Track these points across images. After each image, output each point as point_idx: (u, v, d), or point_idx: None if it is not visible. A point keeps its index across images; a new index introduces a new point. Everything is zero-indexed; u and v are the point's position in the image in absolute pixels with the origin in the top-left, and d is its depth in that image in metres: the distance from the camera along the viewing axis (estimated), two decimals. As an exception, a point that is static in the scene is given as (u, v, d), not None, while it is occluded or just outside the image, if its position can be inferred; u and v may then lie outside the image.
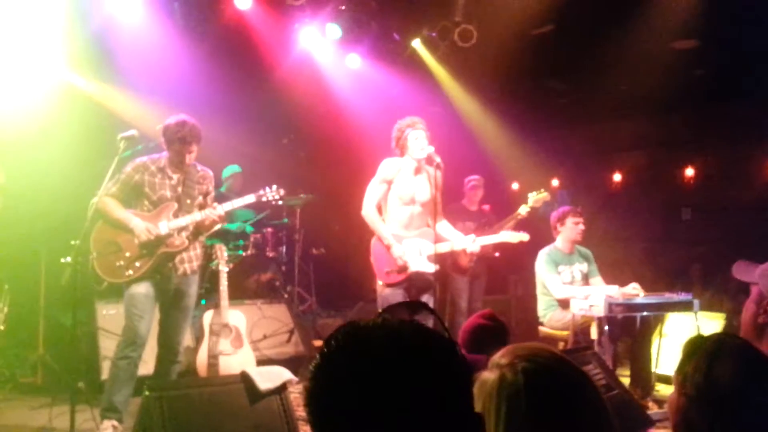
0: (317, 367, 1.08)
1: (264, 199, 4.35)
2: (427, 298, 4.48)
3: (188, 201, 4.07)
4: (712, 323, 4.84)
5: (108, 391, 3.84)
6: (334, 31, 6.81)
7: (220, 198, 4.60)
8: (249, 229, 6.81)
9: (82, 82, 6.19)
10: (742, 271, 2.14)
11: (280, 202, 4.45)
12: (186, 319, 4.17)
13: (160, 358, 4.10)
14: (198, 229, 4.12)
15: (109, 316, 4.79)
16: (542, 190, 6.01)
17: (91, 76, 6.25)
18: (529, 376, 1.34)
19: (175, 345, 4.08)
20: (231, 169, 7.01)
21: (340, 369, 1.05)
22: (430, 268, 4.45)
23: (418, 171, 4.54)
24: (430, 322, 1.39)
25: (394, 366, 1.03)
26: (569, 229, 5.23)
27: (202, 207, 4.13)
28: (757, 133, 7.40)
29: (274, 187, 4.38)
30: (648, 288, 4.90)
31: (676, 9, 6.28)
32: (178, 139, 3.95)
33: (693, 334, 1.73)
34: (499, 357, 1.39)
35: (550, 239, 5.39)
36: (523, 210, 6.00)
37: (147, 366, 4.18)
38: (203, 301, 5.86)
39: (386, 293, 4.45)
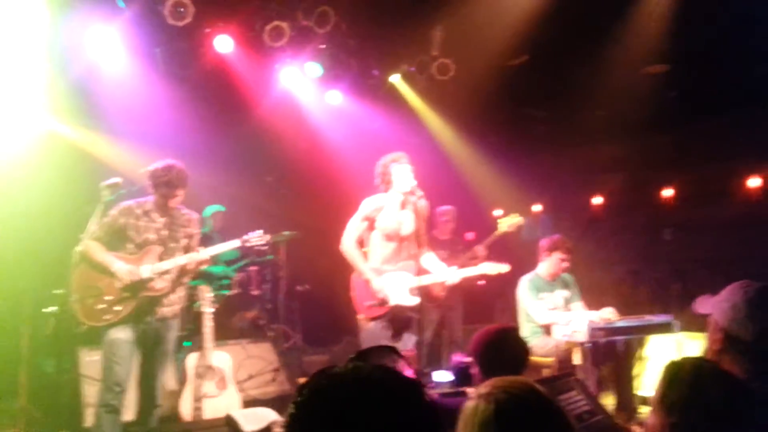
0: (291, 415, 1.14)
1: (248, 244, 4.35)
2: (409, 334, 4.51)
3: (173, 244, 4.09)
4: (693, 343, 4.88)
5: None
6: (315, 69, 6.93)
7: (204, 238, 4.64)
8: (232, 273, 6.84)
9: (65, 128, 6.27)
10: (701, 305, 2.26)
11: (265, 248, 4.49)
12: (165, 364, 4.16)
13: (141, 403, 4.08)
14: (181, 273, 4.14)
15: (92, 362, 4.75)
16: (515, 214, 6.00)
17: (73, 123, 6.33)
18: (500, 406, 1.43)
19: (154, 390, 4.06)
20: (212, 209, 7.06)
21: (313, 417, 1.11)
22: (411, 301, 4.48)
23: (403, 205, 4.60)
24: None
25: (363, 414, 1.09)
26: (554, 263, 5.27)
27: (187, 250, 4.16)
28: (732, 151, 7.54)
29: (260, 232, 4.37)
30: (631, 310, 4.95)
31: (646, 36, 6.46)
32: (164, 183, 4.01)
33: (674, 355, 1.82)
34: (482, 387, 1.49)
35: (532, 265, 5.44)
36: (469, 236, 6.18)
37: (129, 412, 4.15)
38: (187, 343, 5.85)
39: (369, 327, 4.48)
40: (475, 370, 2.94)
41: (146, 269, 3.96)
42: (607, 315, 4.75)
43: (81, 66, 5.95)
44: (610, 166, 8.56)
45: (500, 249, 6.20)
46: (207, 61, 6.49)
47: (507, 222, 5.95)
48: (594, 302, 5.32)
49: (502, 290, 6.81)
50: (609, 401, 4.83)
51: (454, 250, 6.38)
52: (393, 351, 1.46)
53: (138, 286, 3.93)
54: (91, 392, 4.54)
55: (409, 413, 1.12)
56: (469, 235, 6.69)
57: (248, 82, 6.85)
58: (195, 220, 4.30)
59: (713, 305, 2.18)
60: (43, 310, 3.71)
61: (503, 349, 2.91)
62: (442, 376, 4.82)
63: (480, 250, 6.29)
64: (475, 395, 1.50)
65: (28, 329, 4.64)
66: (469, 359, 3.03)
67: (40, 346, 4.80)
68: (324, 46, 6.89)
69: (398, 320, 4.52)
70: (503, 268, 4.82)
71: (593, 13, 6.29)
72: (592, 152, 8.38)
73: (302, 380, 4.59)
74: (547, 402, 1.50)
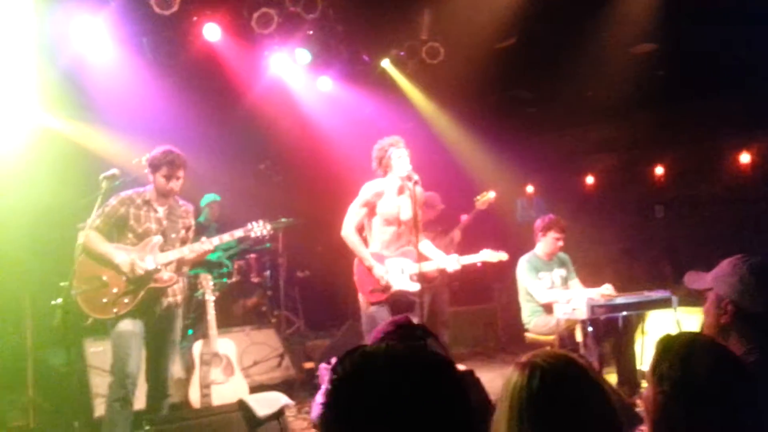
0: (329, 393, 1.18)
1: (252, 234, 4.34)
2: (412, 316, 4.52)
3: (173, 235, 4.07)
4: (691, 318, 4.96)
5: None
6: (304, 56, 6.90)
7: (200, 228, 4.63)
8: (228, 263, 6.83)
9: (57, 122, 6.20)
10: (694, 281, 2.27)
11: (267, 237, 4.51)
12: (173, 353, 4.14)
13: (151, 394, 4.06)
14: (181, 263, 4.12)
15: (98, 353, 4.76)
16: (485, 192, 6.15)
17: (64, 116, 6.26)
18: (533, 374, 1.46)
19: (164, 380, 4.05)
20: (208, 198, 7.03)
21: (351, 396, 1.15)
22: (413, 287, 4.50)
23: (401, 190, 4.60)
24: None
25: (401, 391, 1.12)
26: (549, 242, 5.34)
27: (183, 241, 4.15)
28: (721, 128, 7.63)
29: (261, 222, 4.35)
30: (627, 286, 5.01)
31: (632, 16, 6.51)
32: (167, 162, 3.98)
33: (673, 330, 1.84)
34: (524, 357, 1.52)
35: (528, 246, 5.49)
36: (463, 218, 6.29)
37: (138, 401, 4.14)
38: (190, 331, 5.87)
39: (371, 311, 4.49)
40: None
41: (150, 260, 3.91)
42: (606, 291, 4.82)
43: (69, 58, 5.88)
44: (601, 146, 8.65)
45: (496, 231, 6.26)
46: (195, 50, 6.44)
47: (481, 200, 6.13)
48: (589, 280, 5.39)
49: (500, 271, 6.86)
50: (612, 377, 4.91)
51: (436, 231, 6.33)
52: (423, 330, 1.48)
53: (144, 278, 3.88)
54: (98, 383, 4.53)
55: (441, 390, 1.16)
56: (463, 218, 6.70)
57: (238, 70, 6.81)
58: (191, 211, 4.30)
59: (714, 280, 2.18)
60: (52, 302, 3.68)
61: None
62: None
63: (456, 234, 6.34)
64: (514, 364, 1.53)
65: (30, 322, 4.62)
66: None
67: (48, 339, 4.78)
68: (312, 32, 6.85)
69: (400, 305, 4.54)
70: (502, 256, 4.87)
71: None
72: (583, 133, 8.46)
73: (308, 365, 4.61)
74: (584, 375, 1.51)
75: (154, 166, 4.02)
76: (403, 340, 2.90)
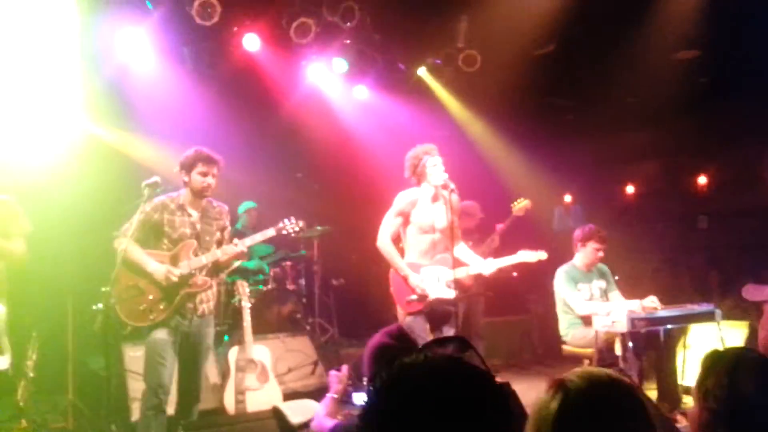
0: (367, 405, 1.18)
1: (284, 232, 4.25)
2: (448, 327, 4.51)
3: (207, 238, 4.04)
4: (735, 332, 4.79)
5: None
6: (341, 65, 6.97)
7: (237, 235, 4.62)
8: (266, 268, 6.88)
9: (101, 130, 6.36)
10: (753, 293, 2.22)
11: (300, 234, 4.43)
12: (205, 361, 4.15)
13: (182, 399, 4.07)
14: (216, 267, 4.09)
15: (136, 358, 4.83)
16: (521, 199, 6.15)
17: (108, 124, 6.43)
18: (555, 395, 1.39)
19: (196, 387, 4.05)
20: (246, 205, 7.10)
21: (389, 408, 1.14)
22: (450, 294, 4.48)
23: (435, 198, 4.59)
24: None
25: (439, 403, 1.12)
26: (589, 253, 5.21)
27: (219, 243, 4.10)
28: (765, 135, 7.41)
29: (293, 219, 4.28)
30: (668, 299, 4.89)
31: (676, 21, 6.38)
32: (203, 159, 3.95)
33: (717, 344, 1.79)
34: (558, 374, 1.46)
35: (566, 255, 5.40)
36: (499, 227, 6.25)
37: (169, 407, 4.13)
38: (226, 337, 5.93)
39: (408, 321, 4.47)
40: None
41: (184, 266, 3.91)
42: (650, 304, 4.69)
43: (113, 68, 6.04)
44: (642, 154, 8.48)
45: (533, 241, 6.15)
46: (235, 60, 6.56)
47: (516, 206, 6.14)
48: (627, 291, 5.26)
49: (535, 282, 6.77)
50: (652, 391, 4.78)
51: (471, 239, 6.27)
52: (462, 342, 1.45)
53: (179, 283, 3.88)
54: (136, 387, 4.60)
55: (480, 402, 1.14)
56: (499, 227, 6.64)
57: (276, 80, 6.91)
58: (225, 211, 4.25)
59: None
60: (93, 307, 3.75)
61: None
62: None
63: (495, 240, 6.28)
64: (547, 383, 1.49)
65: (72, 327, 4.73)
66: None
67: (88, 343, 4.88)
68: (349, 42, 6.91)
69: (437, 314, 4.53)
70: (541, 255, 4.73)
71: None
72: (622, 140, 8.31)
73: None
74: (613, 398, 1.39)
75: (188, 166, 3.99)
76: (402, 350, 2.90)
